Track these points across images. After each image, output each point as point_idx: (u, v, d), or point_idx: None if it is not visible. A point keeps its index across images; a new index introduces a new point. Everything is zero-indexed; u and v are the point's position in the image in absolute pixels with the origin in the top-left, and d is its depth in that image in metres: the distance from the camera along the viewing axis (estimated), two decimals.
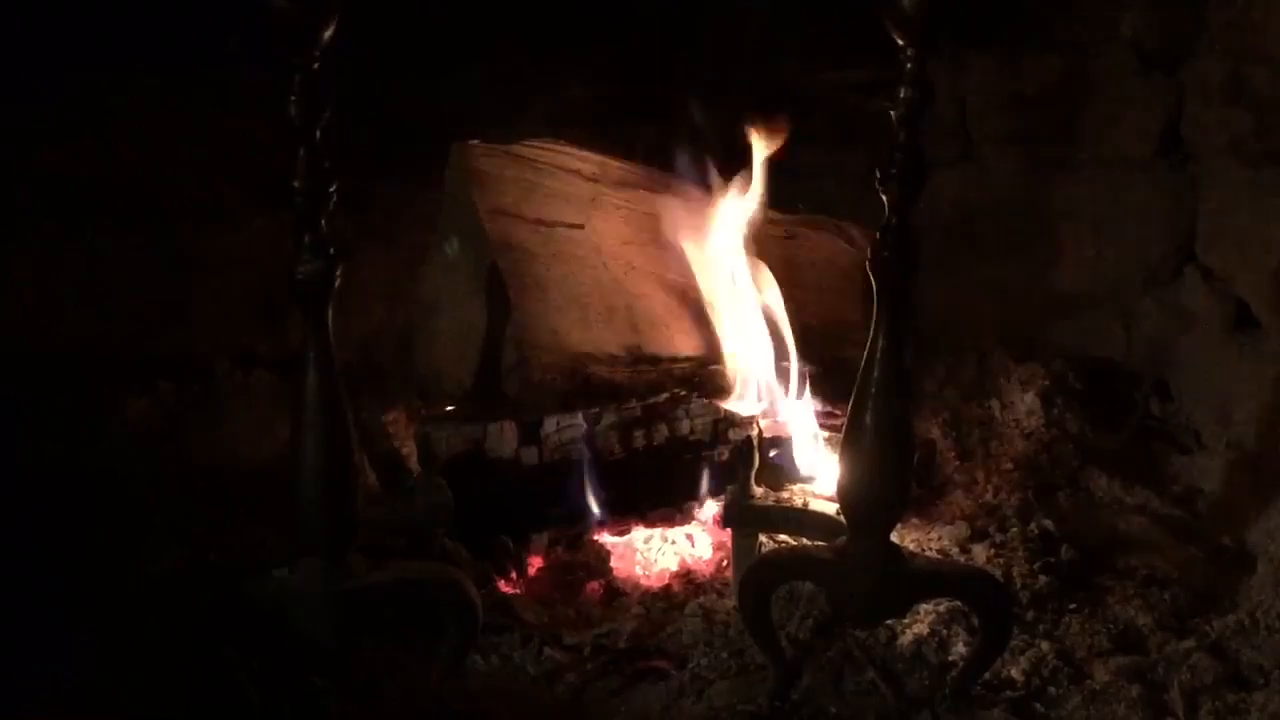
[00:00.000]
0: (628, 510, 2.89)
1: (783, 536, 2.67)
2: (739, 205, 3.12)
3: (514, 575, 2.71)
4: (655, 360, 3.05)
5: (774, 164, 3.09)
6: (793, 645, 2.35)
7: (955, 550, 2.75)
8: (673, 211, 3.15)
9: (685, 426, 2.93)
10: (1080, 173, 3.48)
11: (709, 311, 3.11)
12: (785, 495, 2.91)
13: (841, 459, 2.05)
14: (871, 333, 1.95)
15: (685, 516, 2.91)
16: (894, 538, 2.09)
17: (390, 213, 3.11)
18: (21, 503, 2.48)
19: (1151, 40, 3.33)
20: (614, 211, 3.14)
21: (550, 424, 2.83)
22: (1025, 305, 3.58)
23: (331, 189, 1.77)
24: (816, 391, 3.09)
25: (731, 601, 2.52)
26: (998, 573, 2.58)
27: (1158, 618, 2.51)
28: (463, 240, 3.03)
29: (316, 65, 1.72)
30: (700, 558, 2.81)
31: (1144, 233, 3.45)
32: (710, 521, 2.89)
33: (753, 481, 2.62)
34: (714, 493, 2.91)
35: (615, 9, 3.09)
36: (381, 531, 2.51)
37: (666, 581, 2.73)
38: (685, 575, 2.75)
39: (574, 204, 3.10)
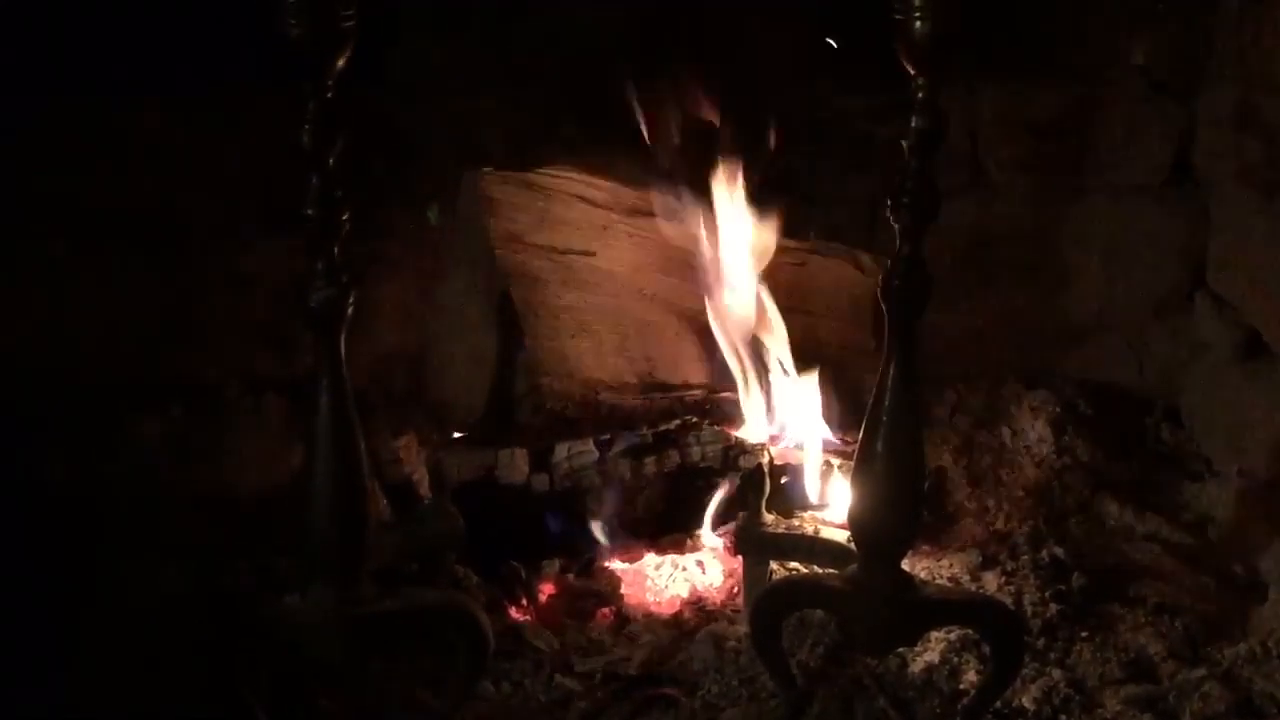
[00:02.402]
0: (639, 537, 2.90)
1: (794, 564, 2.67)
2: (751, 231, 3.13)
3: (524, 602, 2.71)
4: (666, 387, 3.05)
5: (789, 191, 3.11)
6: (804, 673, 2.36)
7: (966, 578, 2.75)
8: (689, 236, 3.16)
9: (696, 453, 2.93)
10: (1091, 200, 3.48)
11: (720, 338, 3.11)
12: (796, 522, 2.91)
13: (853, 486, 2.05)
14: (883, 360, 1.95)
15: (696, 543, 2.91)
16: (905, 565, 2.09)
17: (402, 240, 3.12)
18: (29, 522, 2.49)
19: (1162, 68, 3.33)
20: (626, 239, 3.14)
21: (561, 451, 2.83)
22: (1036, 332, 3.57)
23: (344, 216, 1.78)
24: (828, 418, 3.09)
25: (742, 629, 2.52)
26: (1009, 600, 2.59)
27: (1169, 646, 2.51)
28: (469, 258, 3.04)
29: (330, 93, 1.72)
30: (711, 585, 2.81)
31: (1155, 260, 3.45)
32: (721, 548, 2.88)
33: (764, 508, 2.62)
34: (725, 520, 2.91)
35: (633, 36, 3.09)
36: (392, 557, 2.51)
37: (677, 608, 2.73)
38: (696, 602, 2.75)
39: (586, 231, 3.10)
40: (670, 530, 2.94)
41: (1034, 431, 3.26)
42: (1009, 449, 3.25)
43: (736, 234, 3.13)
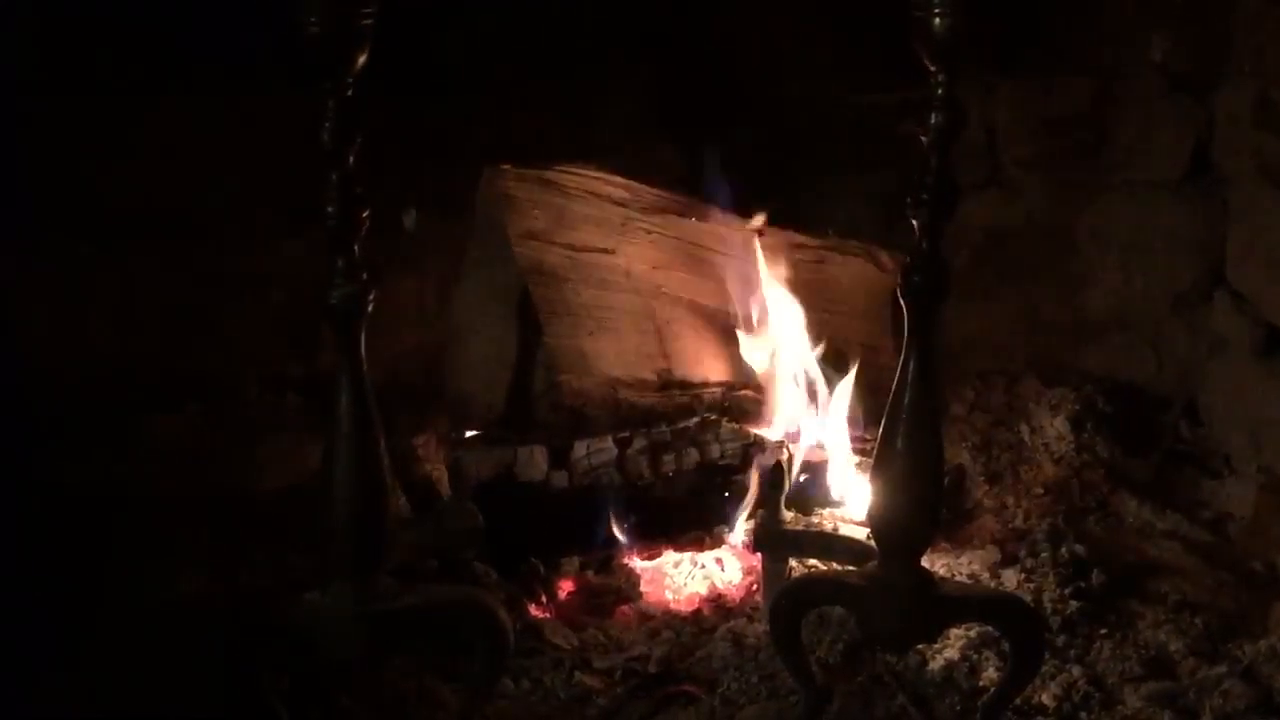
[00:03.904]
0: (657, 534, 2.90)
1: (813, 561, 2.67)
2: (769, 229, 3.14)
3: (544, 599, 2.71)
4: (685, 385, 3.05)
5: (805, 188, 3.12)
6: (823, 670, 2.36)
7: (985, 575, 2.75)
8: (708, 235, 3.17)
9: (715, 451, 2.93)
10: (1110, 196, 3.47)
11: (740, 335, 3.11)
12: (815, 520, 2.91)
13: (872, 483, 2.05)
14: (902, 357, 1.95)
15: (715, 541, 2.91)
16: (924, 562, 2.09)
17: (421, 237, 3.12)
18: (45, 522, 2.50)
19: (1181, 64, 3.32)
20: (644, 236, 3.14)
21: (580, 448, 2.84)
22: (1054, 329, 3.57)
23: (364, 214, 1.78)
24: (847, 416, 3.09)
25: (761, 626, 2.52)
26: (1028, 597, 2.58)
27: (1189, 643, 2.51)
28: (487, 256, 3.04)
29: (350, 91, 1.72)
30: (730, 582, 2.81)
31: (1174, 256, 3.44)
32: (740, 546, 2.88)
33: (783, 506, 2.62)
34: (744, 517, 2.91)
35: (647, 33, 3.09)
36: (412, 554, 2.52)
37: (696, 606, 2.73)
38: (715, 599, 2.75)
39: (604, 229, 3.10)
40: (690, 528, 2.93)
41: (1052, 429, 3.26)
42: (1028, 446, 3.25)
43: (757, 231, 3.14)
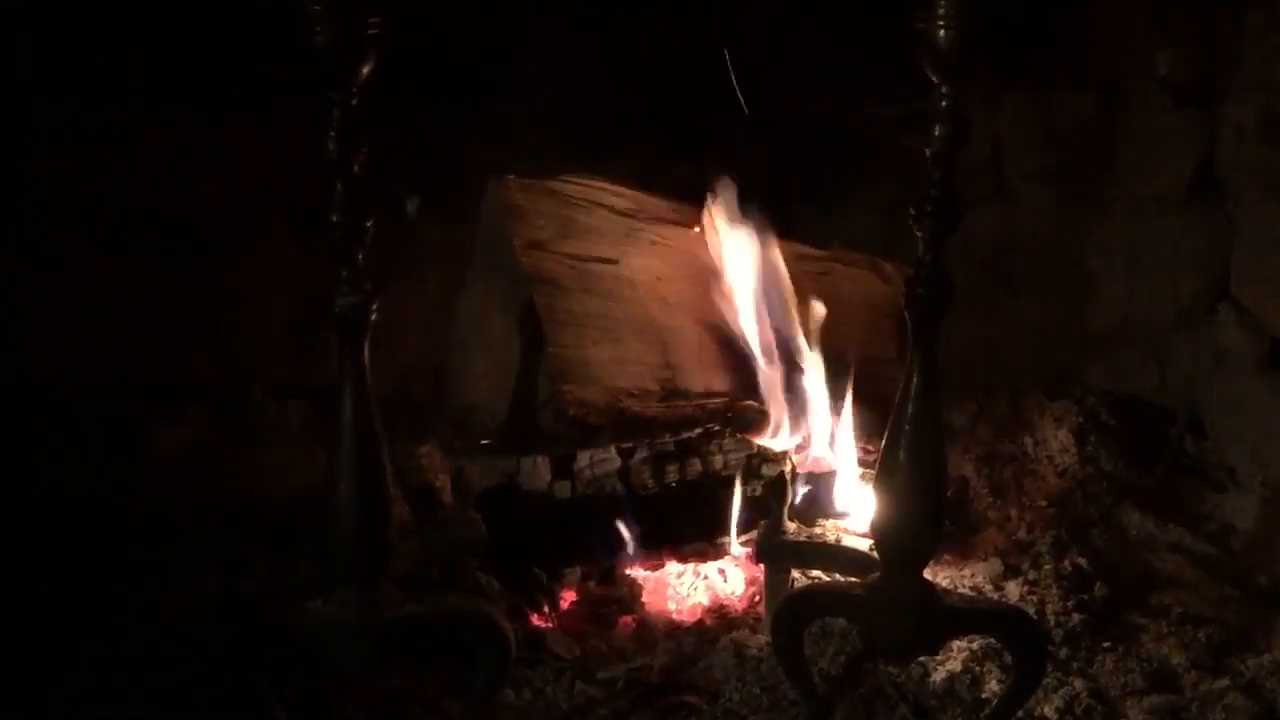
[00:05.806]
0: (660, 545, 2.89)
1: (815, 572, 2.67)
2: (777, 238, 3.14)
3: (546, 609, 2.71)
4: (688, 395, 3.05)
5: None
6: (825, 681, 2.35)
7: (988, 587, 2.74)
8: (712, 245, 3.17)
9: (718, 461, 2.93)
10: (1114, 209, 3.48)
11: (745, 346, 3.11)
12: (818, 531, 2.90)
13: (875, 495, 2.05)
14: (905, 369, 1.95)
15: (718, 551, 2.91)
16: (927, 574, 2.09)
17: (426, 247, 3.12)
18: (51, 527, 2.50)
19: (1186, 77, 3.33)
20: (648, 247, 3.15)
21: (583, 458, 2.83)
22: (1059, 342, 3.57)
23: (369, 223, 1.78)
24: (850, 427, 3.08)
25: (764, 637, 2.52)
26: (1031, 610, 2.58)
27: (1192, 656, 2.50)
28: (492, 266, 3.04)
29: (355, 100, 1.73)
30: (733, 593, 2.81)
31: (1178, 269, 3.44)
32: (743, 556, 2.88)
33: (786, 517, 2.62)
34: (747, 528, 2.90)
35: (654, 43, 3.10)
36: (414, 563, 2.52)
37: (699, 616, 2.73)
38: (717, 610, 2.75)
39: (608, 239, 3.10)
40: (692, 538, 2.93)
41: (1056, 441, 3.26)
42: (1031, 458, 3.25)
43: (763, 241, 3.14)
